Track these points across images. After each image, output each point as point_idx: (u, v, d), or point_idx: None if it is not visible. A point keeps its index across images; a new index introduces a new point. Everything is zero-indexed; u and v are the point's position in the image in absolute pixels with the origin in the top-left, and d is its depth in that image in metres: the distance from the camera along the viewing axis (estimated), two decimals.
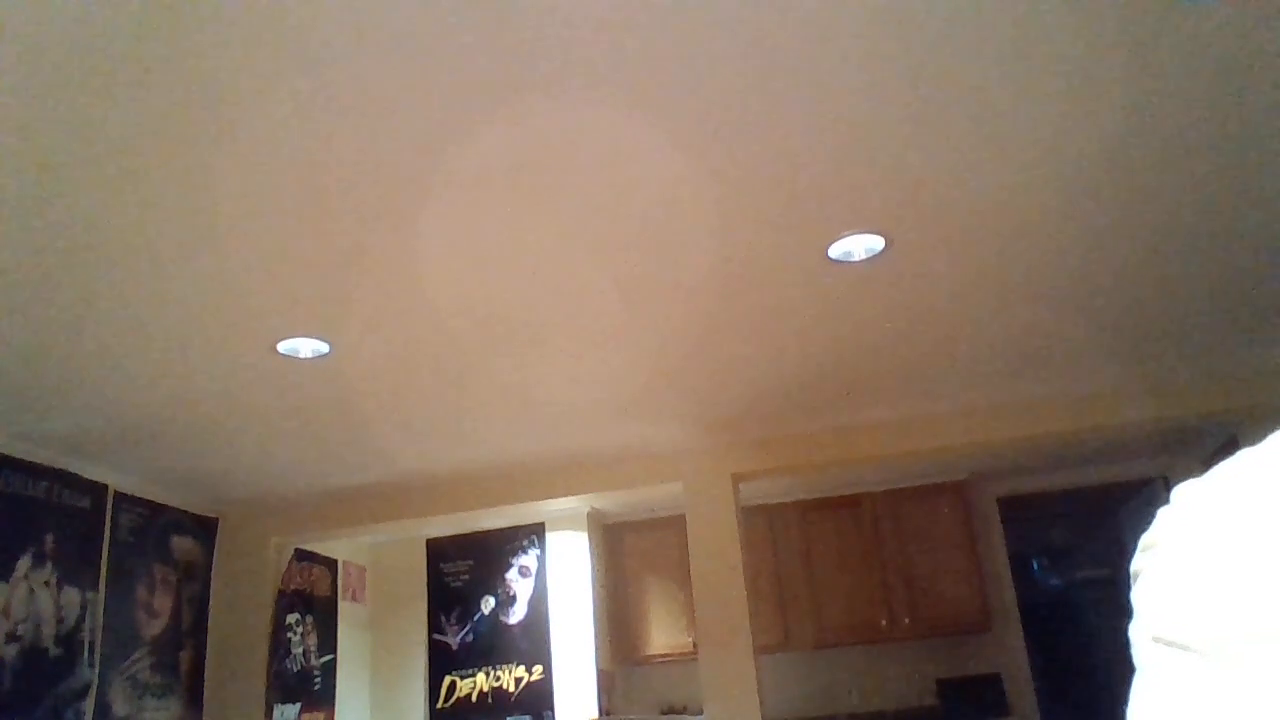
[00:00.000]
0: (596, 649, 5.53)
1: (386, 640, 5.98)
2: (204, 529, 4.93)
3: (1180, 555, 0.48)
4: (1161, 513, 0.52)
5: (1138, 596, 0.51)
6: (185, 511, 4.79)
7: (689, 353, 3.53)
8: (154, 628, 4.47)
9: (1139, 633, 0.49)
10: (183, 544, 4.76)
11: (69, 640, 3.92)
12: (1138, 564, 0.52)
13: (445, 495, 5.03)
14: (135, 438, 3.89)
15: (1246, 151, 2.45)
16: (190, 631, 4.74)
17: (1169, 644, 0.46)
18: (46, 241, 2.39)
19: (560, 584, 5.67)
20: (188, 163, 2.12)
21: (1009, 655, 5.76)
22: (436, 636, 5.83)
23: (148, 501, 4.51)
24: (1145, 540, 0.52)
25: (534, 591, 5.71)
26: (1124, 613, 0.53)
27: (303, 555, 5.36)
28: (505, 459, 4.66)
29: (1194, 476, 0.53)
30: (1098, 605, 7.01)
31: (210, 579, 4.93)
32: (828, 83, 2.04)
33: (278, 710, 4.91)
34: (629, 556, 6.04)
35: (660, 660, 5.87)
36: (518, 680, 5.59)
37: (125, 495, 4.36)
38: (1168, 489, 5.43)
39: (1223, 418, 4.53)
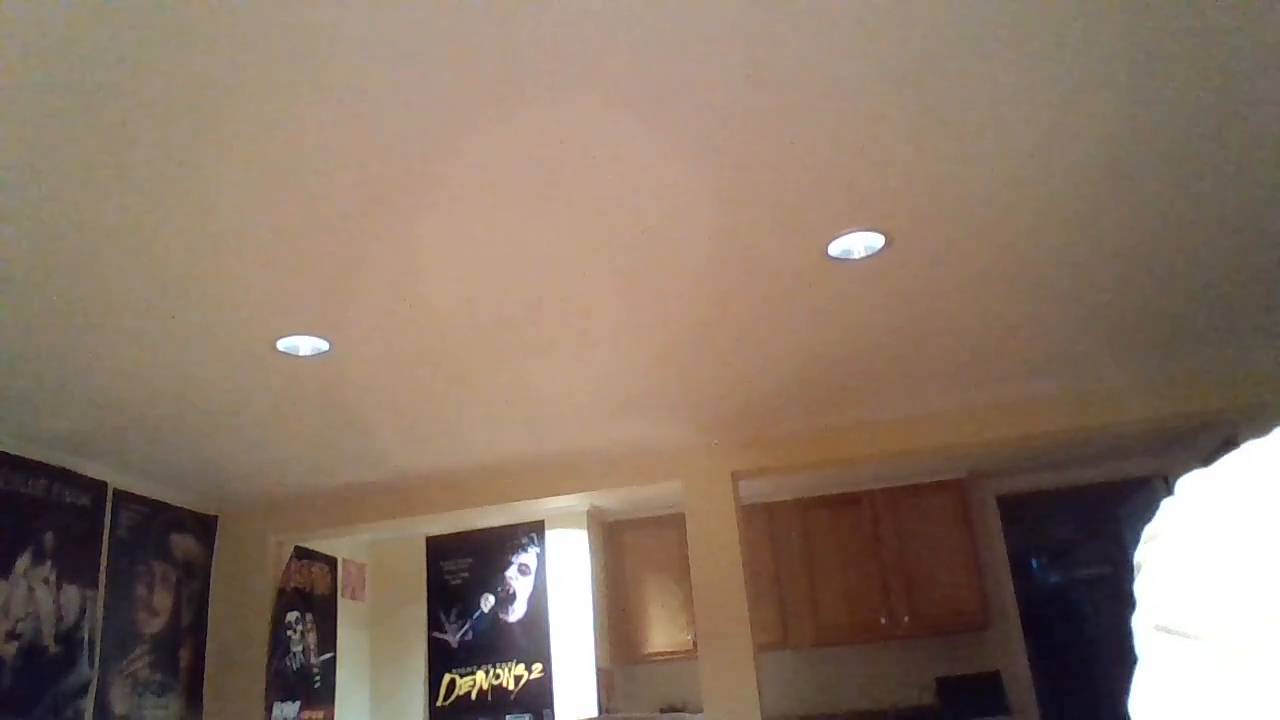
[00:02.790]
0: (596, 647, 5.53)
1: (386, 638, 5.98)
2: (203, 527, 4.93)
3: (1183, 545, 0.48)
4: (1165, 503, 0.52)
5: (1141, 586, 0.50)
6: (185, 509, 4.79)
7: (689, 351, 3.53)
8: (153, 626, 4.47)
9: (1141, 622, 0.49)
10: (182, 542, 4.76)
11: (68, 638, 3.92)
12: (1141, 554, 0.52)
13: (445, 493, 5.03)
14: (135, 435, 3.89)
15: (1247, 150, 2.45)
16: (190, 629, 4.74)
17: (1170, 632, 0.46)
18: (45, 241, 2.39)
19: (560, 582, 5.67)
20: (187, 162, 2.12)
21: (1008, 653, 5.77)
22: (436, 634, 5.83)
23: (147, 499, 4.51)
24: (1149, 531, 0.51)
25: (534, 589, 5.71)
26: (1124, 611, 0.52)
27: (302, 553, 5.36)
28: (505, 457, 4.66)
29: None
30: (1097, 603, 7.01)
31: (210, 577, 4.93)
32: (827, 81, 2.04)
33: (277, 708, 4.92)
34: (629, 554, 6.04)
35: (660, 658, 5.87)
36: (517, 678, 5.59)
37: (125, 493, 4.36)
38: (1167, 487, 5.43)
39: (1222, 417, 4.53)
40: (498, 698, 5.59)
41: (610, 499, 5.54)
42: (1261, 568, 0.43)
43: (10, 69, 1.79)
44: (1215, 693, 0.42)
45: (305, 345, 3.16)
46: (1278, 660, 0.41)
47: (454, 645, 5.77)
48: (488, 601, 5.78)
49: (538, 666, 5.56)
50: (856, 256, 2.86)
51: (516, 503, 5.02)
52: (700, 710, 4.55)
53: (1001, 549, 5.96)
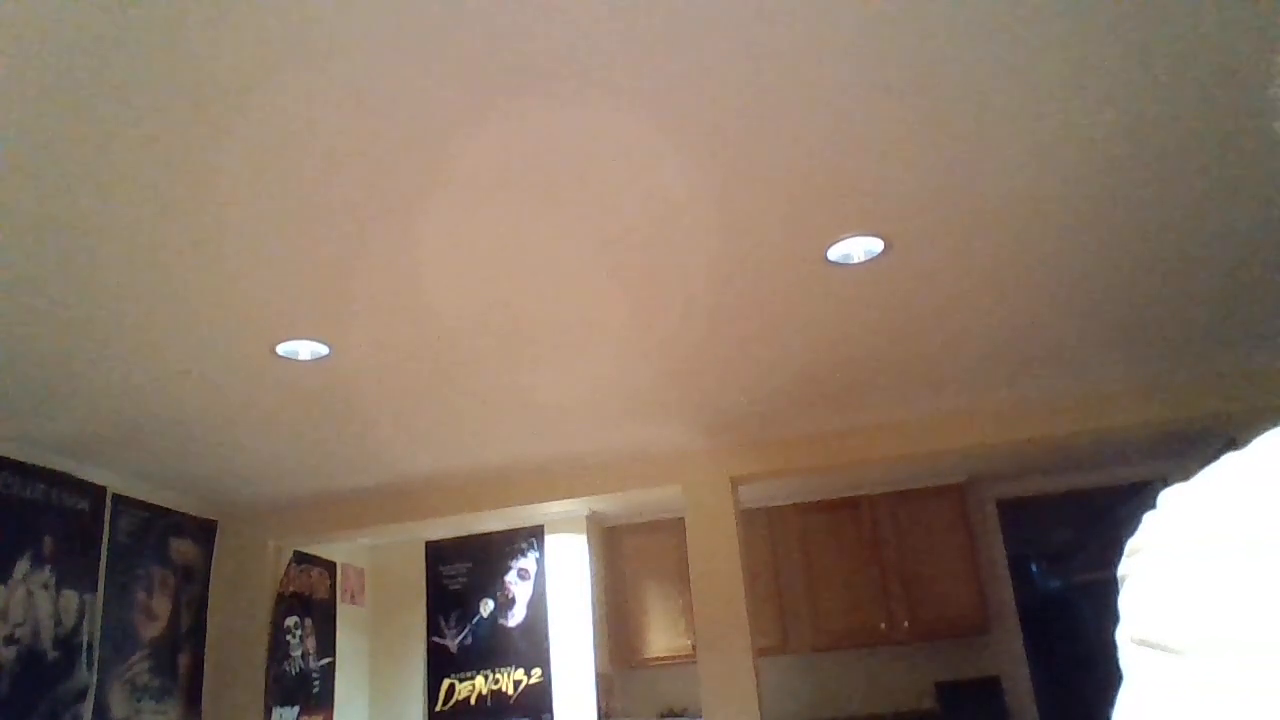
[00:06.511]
0: (595, 652, 5.52)
1: (385, 643, 5.98)
2: (203, 531, 4.93)
3: (1165, 559, 0.48)
4: (1147, 517, 0.52)
5: (1123, 601, 0.50)
6: (184, 514, 4.79)
7: (688, 354, 3.53)
8: (152, 630, 4.47)
9: (1125, 637, 0.49)
10: (181, 546, 4.75)
11: (67, 643, 3.91)
12: (1124, 568, 0.51)
13: (444, 497, 5.03)
14: (134, 440, 3.89)
15: (1245, 151, 2.45)
16: (189, 634, 4.73)
17: (1150, 645, 0.46)
18: (44, 245, 2.39)
19: (559, 587, 5.67)
20: (187, 163, 2.12)
21: (1008, 658, 5.76)
22: (435, 639, 5.83)
23: (146, 504, 4.50)
24: (1131, 545, 0.51)
25: (533, 594, 5.70)
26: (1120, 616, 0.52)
27: (301, 558, 5.35)
28: (504, 461, 4.66)
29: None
30: (1097, 608, 7.00)
31: (209, 581, 4.93)
32: (827, 84, 2.04)
33: (276, 713, 4.91)
34: (628, 559, 6.04)
35: (659, 663, 5.86)
36: (516, 683, 5.58)
37: (124, 498, 4.36)
38: None
39: (1223, 419, 4.53)
40: (497, 703, 5.58)
41: (610, 503, 5.54)
42: (1243, 581, 0.43)
43: (9, 69, 1.79)
44: (1198, 709, 0.42)
45: (305, 349, 3.16)
46: (1260, 676, 0.41)
47: (453, 650, 5.77)
48: (487, 606, 5.78)
49: (537, 671, 5.56)
50: (856, 261, 2.87)
51: (516, 507, 5.02)
52: (700, 715, 4.55)
53: (1001, 553, 5.95)
